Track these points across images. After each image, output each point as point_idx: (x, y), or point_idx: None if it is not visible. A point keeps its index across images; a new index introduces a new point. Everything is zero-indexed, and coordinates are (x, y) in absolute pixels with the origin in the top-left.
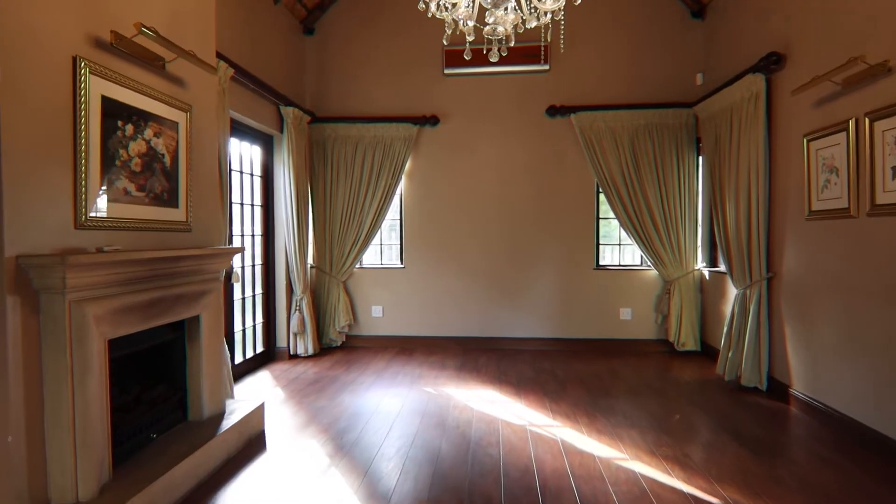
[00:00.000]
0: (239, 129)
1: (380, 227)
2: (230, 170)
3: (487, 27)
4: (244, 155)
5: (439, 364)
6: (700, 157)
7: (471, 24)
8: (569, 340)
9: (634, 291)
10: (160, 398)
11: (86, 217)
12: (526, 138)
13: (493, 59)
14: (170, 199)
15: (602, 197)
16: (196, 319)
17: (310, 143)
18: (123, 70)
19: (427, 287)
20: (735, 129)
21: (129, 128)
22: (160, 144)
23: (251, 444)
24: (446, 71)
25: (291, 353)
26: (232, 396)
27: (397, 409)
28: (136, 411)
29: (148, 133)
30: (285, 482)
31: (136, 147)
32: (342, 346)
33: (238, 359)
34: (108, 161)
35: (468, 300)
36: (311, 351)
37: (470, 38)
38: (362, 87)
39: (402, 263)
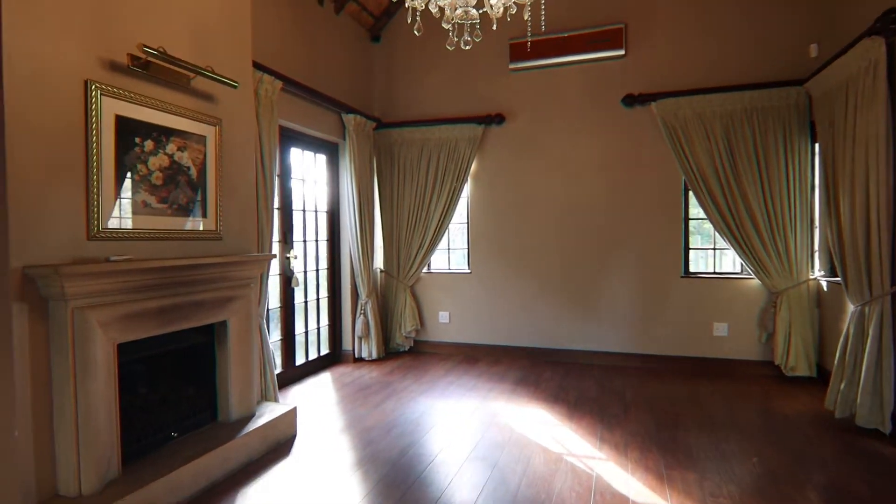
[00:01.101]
0: (299, 139)
1: (445, 230)
2: (290, 178)
3: (459, 10)
4: (308, 163)
5: (499, 376)
6: (815, 145)
7: (459, 11)
8: (649, 357)
9: (732, 303)
10: (186, 399)
11: (98, 229)
12: (599, 133)
13: (466, 47)
14: (196, 210)
15: (693, 195)
16: (224, 325)
17: (376, 148)
18: (141, 90)
19: (493, 293)
20: (851, 108)
21: (149, 144)
22: (185, 158)
23: (278, 448)
24: (511, 66)
25: (356, 356)
26: (275, 400)
27: (434, 423)
28: (157, 411)
29: (171, 148)
30: (294, 491)
31: (157, 161)
32: (409, 352)
33: (300, 360)
34: (123, 176)
35: (536, 308)
36: (374, 355)
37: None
38: (427, 90)
39: (468, 268)
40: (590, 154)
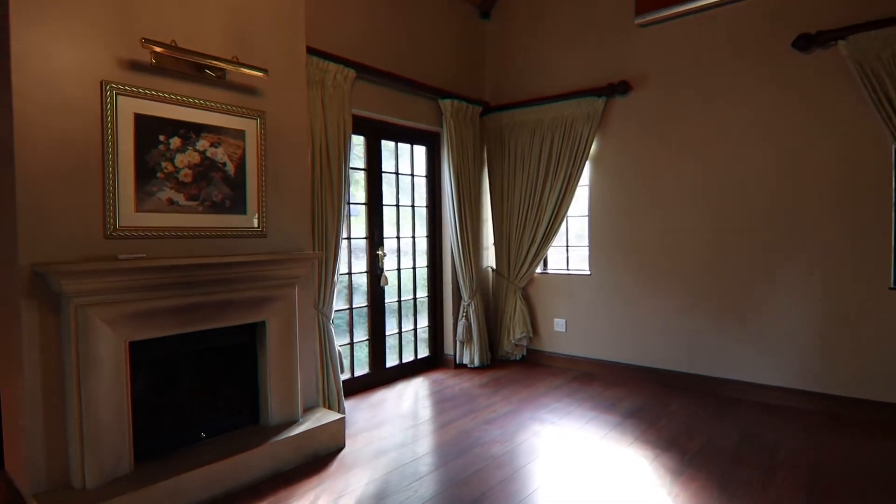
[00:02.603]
0: (390, 130)
1: (560, 224)
2: (381, 172)
3: None
4: (403, 156)
5: (611, 402)
6: None
7: None
8: (828, 398)
9: None
10: (222, 399)
11: (115, 228)
12: (758, 94)
13: None
14: (233, 207)
15: None
16: (263, 325)
17: (485, 135)
18: (166, 87)
19: (618, 300)
20: None
21: (175, 141)
22: (220, 154)
23: (315, 461)
24: (638, 19)
25: (457, 362)
26: (338, 406)
27: (491, 458)
28: (184, 410)
29: (202, 144)
30: None
31: (186, 158)
32: (520, 361)
33: (392, 362)
34: (145, 174)
35: (672, 321)
36: (477, 362)
37: None
38: (540, 64)
39: (588, 269)
40: (746, 123)
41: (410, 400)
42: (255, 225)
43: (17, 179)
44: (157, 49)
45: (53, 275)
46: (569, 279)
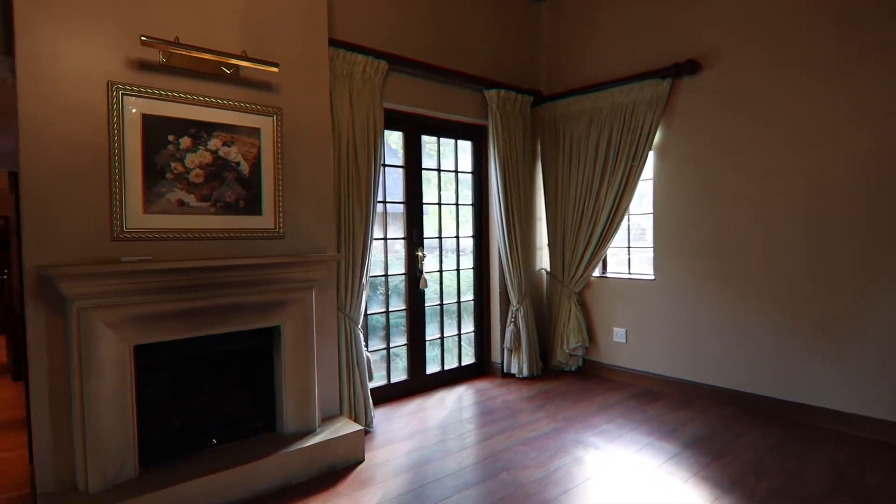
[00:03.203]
0: (431, 125)
1: (619, 223)
2: (423, 170)
3: None
4: (447, 151)
5: (669, 428)
6: None
7: None
8: None
9: None
10: (236, 405)
11: (121, 230)
12: (862, 69)
13: None
14: (248, 207)
15: None
16: (278, 330)
17: (537, 127)
18: (174, 86)
19: (686, 309)
20: None
21: (185, 141)
22: (233, 153)
23: (330, 474)
24: None
25: (504, 371)
26: (364, 416)
27: (511, 488)
28: (195, 415)
29: (214, 143)
30: None
31: (197, 158)
32: (575, 373)
33: (433, 369)
34: (154, 175)
35: (754, 337)
36: (525, 372)
37: None
38: (598, 46)
39: (652, 274)
40: (844, 104)
41: (447, 410)
42: (272, 226)
43: (22, 181)
44: (158, 46)
45: (55, 277)
46: (630, 284)
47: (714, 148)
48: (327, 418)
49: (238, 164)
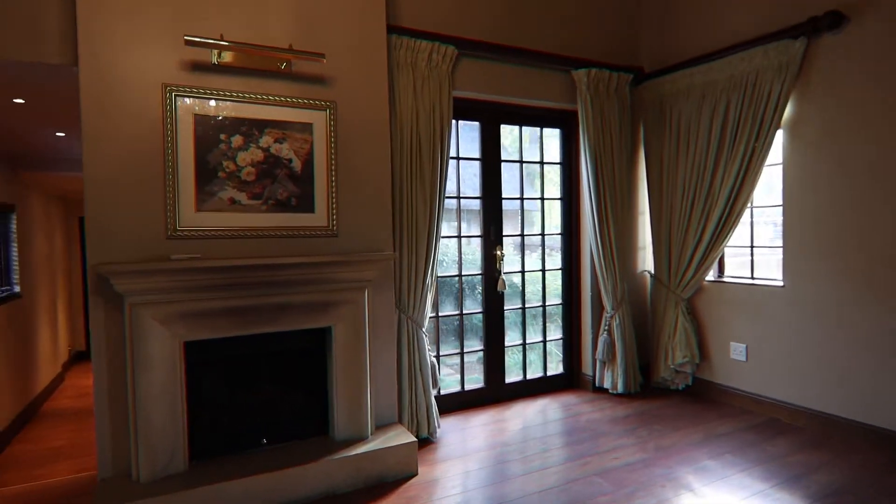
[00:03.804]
0: (512, 113)
1: (737, 217)
2: (502, 162)
3: None
4: (530, 141)
5: (795, 473)
6: None
7: None
8: None
9: None
10: (289, 406)
11: (175, 229)
12: None
13: None
14: (300, 205)
15: None
16: (329, 331)
17: (637, 109)
18: (226, 85)
19: (824, 324)
20: None
21: (237, 139)
22: (284, 149)
23: (379, 486)
24: None
25: (595, 384)
26: (428, 425)
27: None
28: (248, 414)
29: (265, 140)
30: None
31: (248, 156)
32: (681, 392)
33: (513, 377)
34: (206, 174)
35: None
36: (620, 388)
37: None
38: (709, 7)
39: (781, 279)
40: None
41: (521, 425)
42: (325, 224)
43: (85, 182)
44: (200, 45)
45: (108, 274)
46: (752, 291)
47: (863, 123)
48: (383, 426)
49: (290, 160)
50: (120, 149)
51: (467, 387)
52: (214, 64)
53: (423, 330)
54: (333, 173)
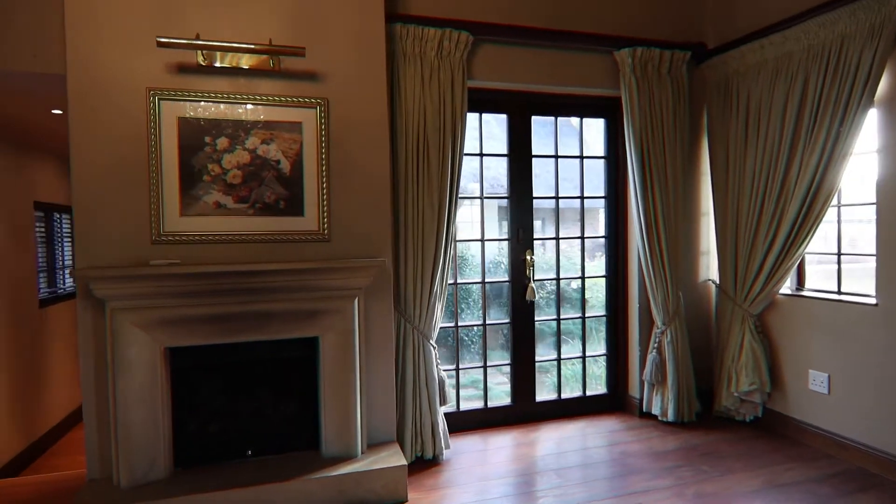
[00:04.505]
0: (544, 103)
1: (819, 218)
2: (533, 157)
3: None
4: (565, 134)
5: None
6: None
7: None
8: None
9: None
10: (278, 417)
11: (160, 233)
12: None
13: None
14: (289, 208)
15: None
16: (315, 341)
17: (695, 92)
18: (211, 86)
19: None
20: None
21: (223, 141)
22: (272, 150)
23: None
24: None
25: (643, 409)
26: (434, 446)
27: None
28: (235, 422)
29: (252, 142)
30: None
31: (234, 159)
32: (748, 424)
33: (546, 395)
34: (190, 178)
35: None
36: (671, 415)
37: None
38: None
39: (874, 296)
40: None
41: (543, 452)
42: (315, 228)
43: (72, 187)
44: (174, 46)
45: (87, 279)
46: (837, 309)
47: None
48: (378, 444)
49: (278, 161)
50: (106, 154)
51: (491, 403)
52: (200, 65)
53: (431, 342)
54: (325, 175)
